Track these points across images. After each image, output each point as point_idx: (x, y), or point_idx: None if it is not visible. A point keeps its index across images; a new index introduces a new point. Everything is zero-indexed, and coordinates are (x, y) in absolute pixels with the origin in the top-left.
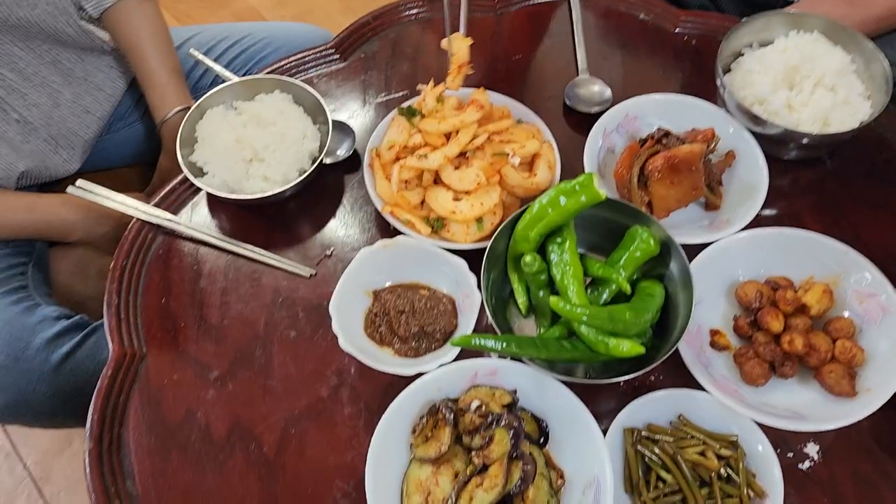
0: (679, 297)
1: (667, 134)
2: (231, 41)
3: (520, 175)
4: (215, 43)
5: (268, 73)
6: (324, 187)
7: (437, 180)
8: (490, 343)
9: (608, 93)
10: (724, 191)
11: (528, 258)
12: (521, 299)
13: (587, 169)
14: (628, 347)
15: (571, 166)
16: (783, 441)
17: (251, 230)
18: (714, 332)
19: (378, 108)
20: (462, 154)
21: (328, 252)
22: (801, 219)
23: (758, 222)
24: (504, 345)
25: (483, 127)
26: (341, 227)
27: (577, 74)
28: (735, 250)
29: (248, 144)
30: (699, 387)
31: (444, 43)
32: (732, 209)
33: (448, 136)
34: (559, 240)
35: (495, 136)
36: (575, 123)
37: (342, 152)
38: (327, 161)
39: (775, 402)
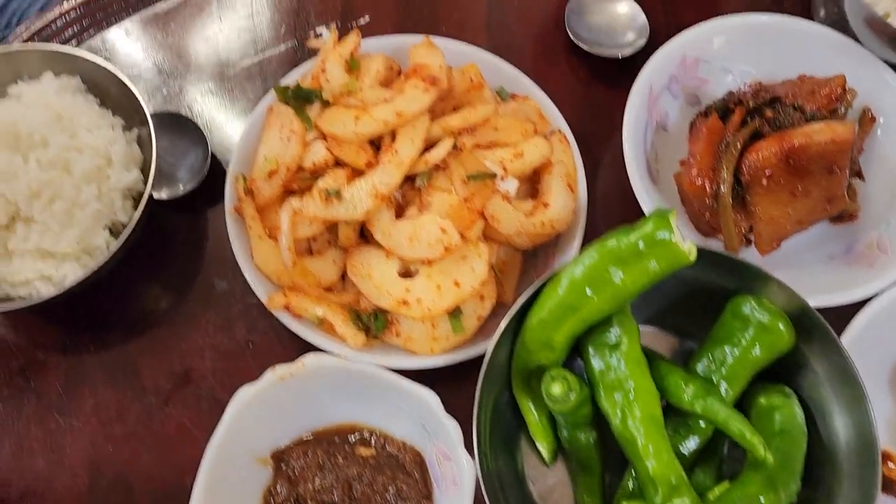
0: (833, 422)
1: (776, 99)
2: None
3: (519, 211)
4: None
5: (28, 38)
6: (160, 253)
7: (367, 236)
8: None
9: (642, 18)
10: (858, 185)
11: (556, 389)
12: (542, 443)
13: (632, 173)
14: None
15: (593, 165)
16: None
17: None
18: (883, 457)
19: (247, 80)
20: (408, 180)
21: (179, 382)
22: None
23: None
24: None
25: (441, 120)
26: (201, 336)
27: None
28: None
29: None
30: None
31: None
32: (881, 217)
33: (377, 143)
34: (611, 338)
35: (465, 136)
36: (587, 77)
37: (187, 178)
38: (161, 196)
39: None
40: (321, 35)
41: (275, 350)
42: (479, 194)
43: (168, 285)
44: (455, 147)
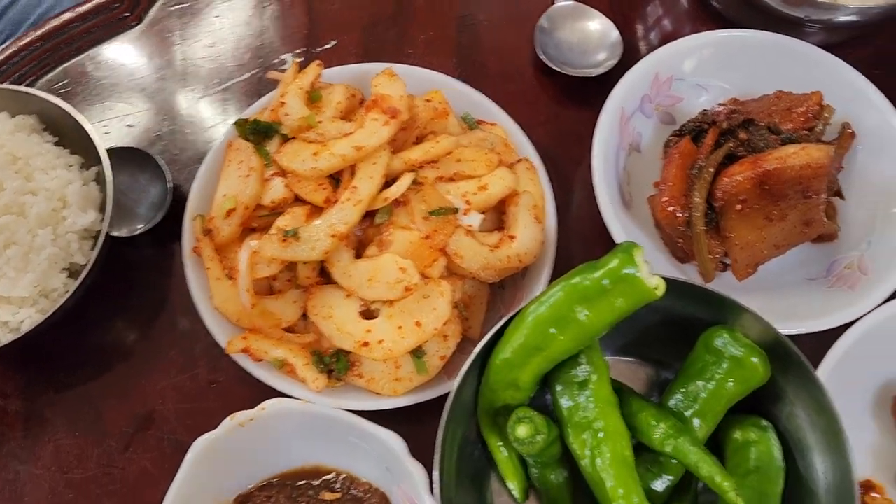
0: (811, 457)
1: (750, 120)
2: None
3: (484, 244)
4: None
5: None
6: (121, 292)
7: (327, 274)
8: None
9: (615, 34)
10: (837, 203)
11: (522, 431)
12: (512, 483)
13: (602, 200)
14: None
15: (566, 190)
16: None
17: None
18: (867, 488)
19: (210, 111)
20: (369, 216)
21: (142, 425)
22: None
23: None
24: None
25: (402, 153)
26: (164, 376)
27: (553, 1)
28: (889, 332)
29: None
30: None
31: None
32: (861, 237)
33: (337, 178)
34: (579, 375)
35: (427, 169)
36: (559, 98)
37: (147, 214)
38: (120, 234)
39: None
40: (285, 63)
41: (237, 390)
42: (441, 230)
43: (129, 325)
44: (416, 181)
